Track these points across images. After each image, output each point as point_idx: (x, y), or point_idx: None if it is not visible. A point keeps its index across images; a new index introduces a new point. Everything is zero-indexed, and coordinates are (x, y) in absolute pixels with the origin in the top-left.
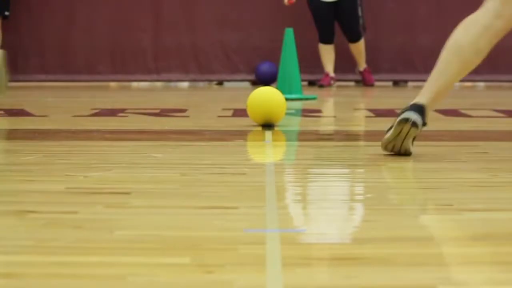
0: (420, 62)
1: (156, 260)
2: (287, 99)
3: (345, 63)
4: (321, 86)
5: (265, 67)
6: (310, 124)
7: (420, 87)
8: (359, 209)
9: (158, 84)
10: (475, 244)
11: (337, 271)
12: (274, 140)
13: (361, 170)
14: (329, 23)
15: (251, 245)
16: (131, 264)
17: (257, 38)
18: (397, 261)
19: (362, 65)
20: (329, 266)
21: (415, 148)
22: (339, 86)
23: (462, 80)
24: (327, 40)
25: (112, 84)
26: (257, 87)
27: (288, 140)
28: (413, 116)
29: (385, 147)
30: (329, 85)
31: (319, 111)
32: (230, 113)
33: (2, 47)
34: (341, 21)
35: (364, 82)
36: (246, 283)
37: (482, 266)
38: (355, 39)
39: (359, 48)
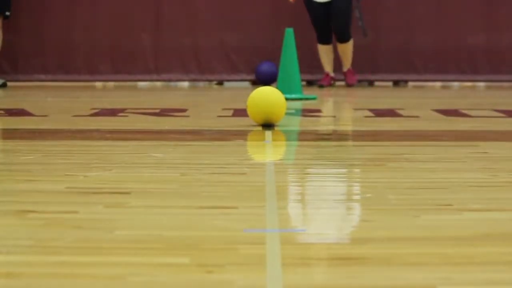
0: (420, 62)
1: (156, 260)
2: (287, 99)
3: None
4: (321, 86)
5: (265, 67)
6: (310, 124)
7: (420, 87)
8: (359, 209)
9: (158, 84)
10: (475, 244)
11: (337, 271)
12: (274, 140)
13: (361, 170)
14: (325, 24)
15: (251, 245)
16: (131, 264)
17: (257, 38)
18: (397, 261)
19: (347, 66)
20: (329, 266)
21: (415, 148)
22: (339, 86)
23: (462, 80)
24: (324, 41)
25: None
26: (257, 87)
27: (288, 140)
28: None
29: None
30: (329, 85)
31: (319, 111)
32: (230, 113)
33: (2, 47)
34: (331, 21)
35: (345, 81)
36: (246, 283)
37: (482, 266)
38: (344, 39)
39: (347, 49)
